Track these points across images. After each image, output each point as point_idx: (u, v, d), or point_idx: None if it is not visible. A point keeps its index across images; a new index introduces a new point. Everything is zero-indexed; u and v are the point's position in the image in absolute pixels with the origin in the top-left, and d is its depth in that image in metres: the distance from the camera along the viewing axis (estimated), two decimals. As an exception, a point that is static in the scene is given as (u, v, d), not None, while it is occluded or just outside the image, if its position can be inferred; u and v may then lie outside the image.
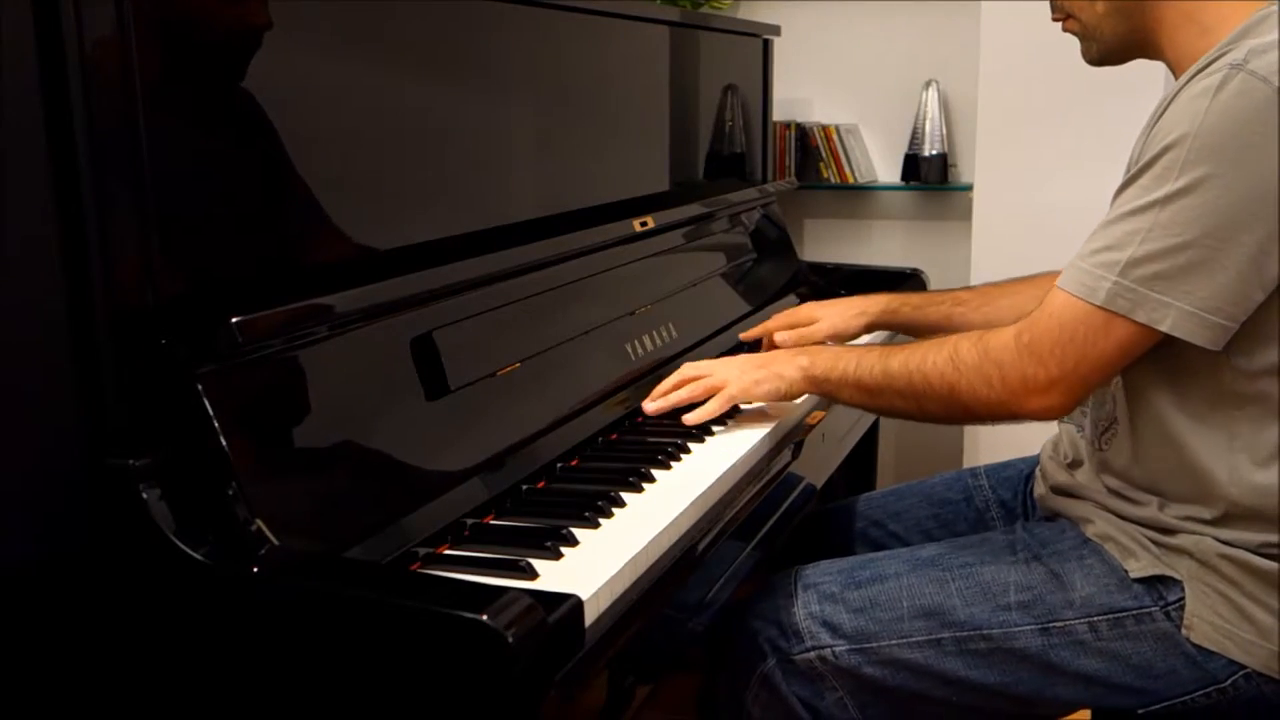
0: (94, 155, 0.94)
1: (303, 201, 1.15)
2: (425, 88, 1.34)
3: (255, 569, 0.93)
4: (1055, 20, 1.34)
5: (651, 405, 1.46)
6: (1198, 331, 1.13)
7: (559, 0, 1.58)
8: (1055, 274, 1.63)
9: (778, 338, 1.68)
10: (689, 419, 1.42)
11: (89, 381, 0.96)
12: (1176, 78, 1.24)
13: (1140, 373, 1.24)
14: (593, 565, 1.06)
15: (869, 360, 1.33)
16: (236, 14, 1.07)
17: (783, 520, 1.48)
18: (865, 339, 1.81)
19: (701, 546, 1.19)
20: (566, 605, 0.92)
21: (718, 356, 1.76)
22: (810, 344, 1.67)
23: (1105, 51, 1.31)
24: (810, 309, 1.74)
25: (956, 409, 1.26)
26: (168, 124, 0.99)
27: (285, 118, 1.12)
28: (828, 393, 1.40)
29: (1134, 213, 1.14)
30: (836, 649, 1.29)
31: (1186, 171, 1.10)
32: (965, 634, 1.26)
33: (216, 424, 0.96)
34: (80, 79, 0.92)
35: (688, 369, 1.49)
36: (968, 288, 1.74)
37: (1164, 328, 1.13)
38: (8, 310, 0.92)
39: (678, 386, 1.46)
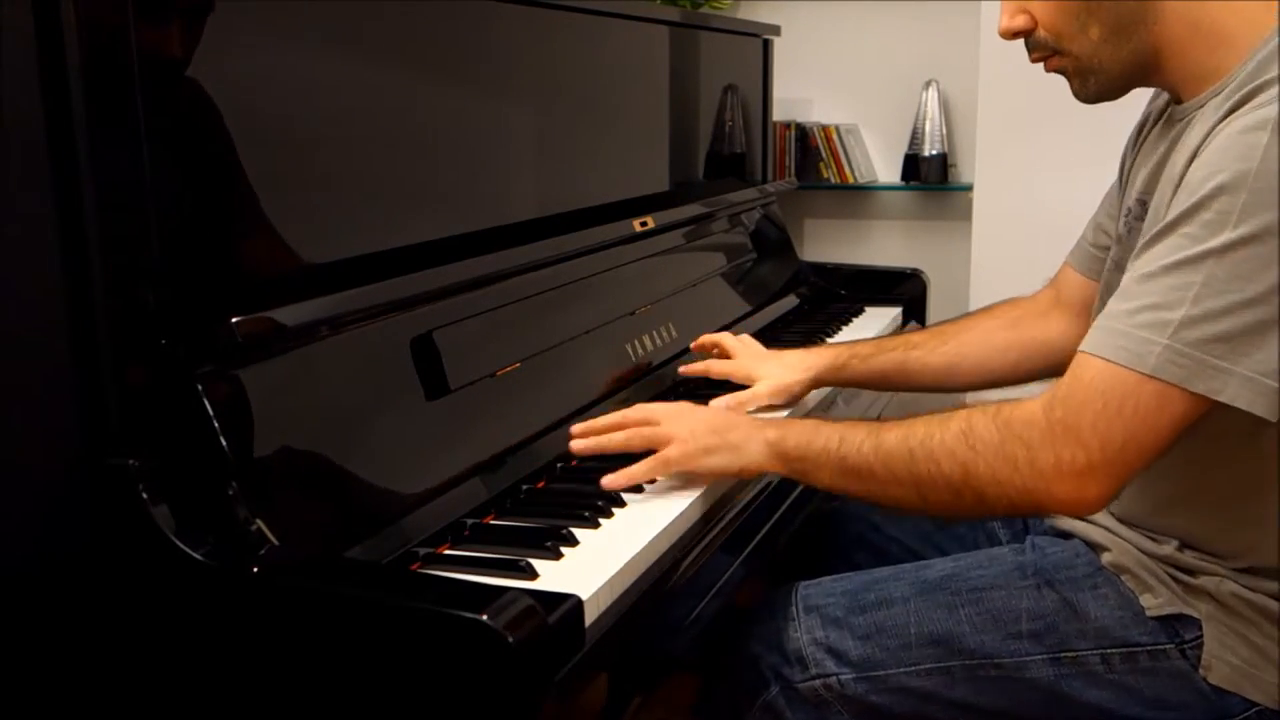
0: (94, 155, 0.94)
1: (304, 201, 1.15)
2: (426, 88, 1.34)
3: (255, 569, 0.93)
4: (1035, 61, 1.22)
5: (579, 444, 1.26)
6: (1257, 400, 0.98)
7: (559, 0, 1.58)
8: (1012, 301, 1.53)
9: (713, 403, 1.44)
10: (606, 482, 1.20)
11: (89, 381, 0.96)
12: (1183, 100, 1.14)
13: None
14: (593, 565, 1.06)
15: (856, 435, 1.14)
16: (238, 14, 1.07)
17: (784, 520, 1.48)
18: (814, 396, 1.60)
19: (702, 546, 1.19)
20: (566, 605, 0.92)
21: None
22: (752, 409, 1.48)
23: (1105, 84, 1.17)
24: (748, 365, 1.54)
25: (969, 496, 1.08)
26: (168, 123, 0.99)
27: (287, 117, 1.12)
28: (801, 473, 1.21)
29: (1181, 265, 0.99)
30: (842, 677, 1.23)
31: (1248, 217, 0.96)
32: (975, 662, 1.21)
33: (216, 424, 0.96)
34: (80, 78, 0.92)
35: (635, 411, 1.29)
36: (919, 329, 1.62)
37: (1223, 398, 0.98)
38: (8, 310, 0.92)
39: (618, 427, 1.27)
